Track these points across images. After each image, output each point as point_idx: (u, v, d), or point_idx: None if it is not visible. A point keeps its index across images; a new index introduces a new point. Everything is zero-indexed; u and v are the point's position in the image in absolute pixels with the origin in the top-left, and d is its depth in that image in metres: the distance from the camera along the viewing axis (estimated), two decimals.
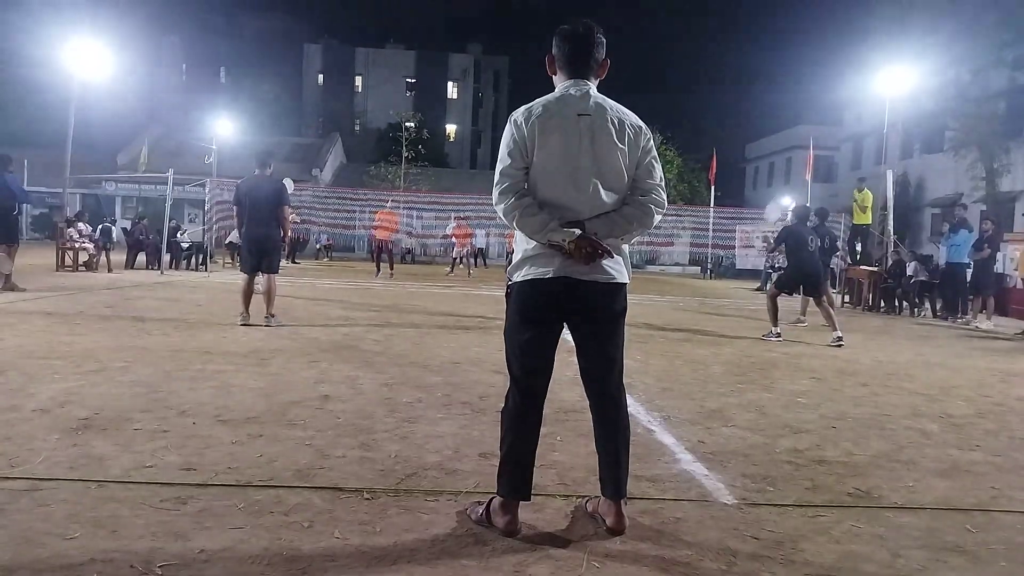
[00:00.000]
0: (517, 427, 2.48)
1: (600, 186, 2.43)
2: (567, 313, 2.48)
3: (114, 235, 15.57)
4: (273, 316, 7.45)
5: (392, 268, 17.32)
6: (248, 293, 7.48)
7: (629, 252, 2.62)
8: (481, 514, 2.51)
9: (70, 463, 2.92)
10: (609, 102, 2.51)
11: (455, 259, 20.81)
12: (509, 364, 2.54)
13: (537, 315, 2.47)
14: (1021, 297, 14.35)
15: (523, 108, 2.50)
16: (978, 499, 3.07)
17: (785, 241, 8.63)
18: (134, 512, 2.47)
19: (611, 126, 2.44)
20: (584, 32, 2.52)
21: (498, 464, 2.50)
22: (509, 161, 2.44)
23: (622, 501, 2.50)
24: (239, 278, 7.84)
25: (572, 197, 2.42)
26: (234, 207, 7.76)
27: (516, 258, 2.53)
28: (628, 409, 2.62)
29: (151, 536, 2.29)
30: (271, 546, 2.26)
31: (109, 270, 14.38)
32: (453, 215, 25.42)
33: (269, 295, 7.53)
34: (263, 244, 7.48)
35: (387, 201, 20.12)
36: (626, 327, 2.59)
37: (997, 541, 2.61)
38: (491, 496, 2.52)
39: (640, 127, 2.51)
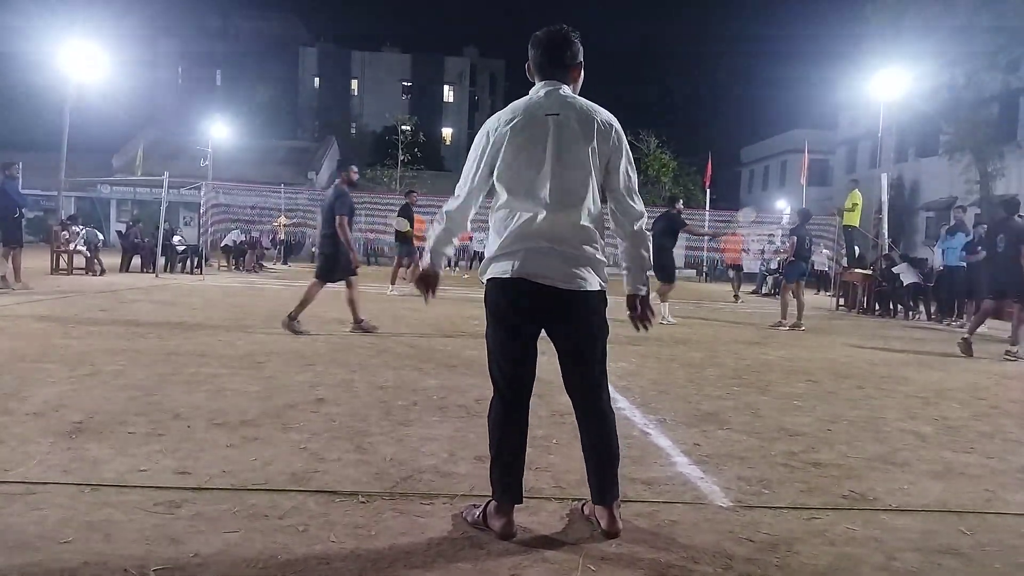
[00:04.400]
0: (502, 429, 2.50)
1: (567, 183, 2.42)
2: (535, 315, 2.48)
3: (81, 239, 15.33)
4: (361, 321, 7.41)
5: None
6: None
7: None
8: (477, 517, 2.51)
9: (64, 467, 2.91)
10: (580, 100, 2.51)
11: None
12: (489, 366, 2.57)
13: (505, 315, 2.50)
14: None
15: (496, 115, 2.54)
16: (972, 501, 3.08)
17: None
18: (128, 516, 2.46)
19: (579, 123, 2.44)
20: (553, 36, 2.54)
21: (489, 467, 2.51)
22: (471, 167, 2.53)
23: (615, 504, 2.50)
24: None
25: (536, 196, 2.42)
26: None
27: (485, 256, 2.57)
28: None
29: (145, 540, 2.28)
30: (265, 550, 2.26)
31: (76, 272, 14.18)
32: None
33: (349, 303, 7.46)
34: (321, 251, 7.53)
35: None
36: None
37: (991, 543, 2.62)
38: (487, 499, 2.52)
39: (611, 124, 2.49)
